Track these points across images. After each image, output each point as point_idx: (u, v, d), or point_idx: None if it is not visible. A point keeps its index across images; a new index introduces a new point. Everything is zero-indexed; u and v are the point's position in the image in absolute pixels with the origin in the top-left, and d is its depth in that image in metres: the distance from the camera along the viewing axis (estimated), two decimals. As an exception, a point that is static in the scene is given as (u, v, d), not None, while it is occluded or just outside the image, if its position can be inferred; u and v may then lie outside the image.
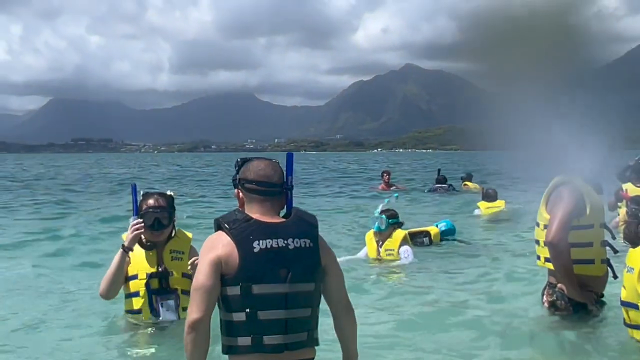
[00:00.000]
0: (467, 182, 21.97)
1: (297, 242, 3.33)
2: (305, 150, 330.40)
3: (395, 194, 10.64)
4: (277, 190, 3.43)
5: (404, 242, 9.51)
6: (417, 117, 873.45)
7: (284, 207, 3.49)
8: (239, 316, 3.26)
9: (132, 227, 5.13)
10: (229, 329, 3.31)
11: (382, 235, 9.45)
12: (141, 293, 5.21)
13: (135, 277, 5.20)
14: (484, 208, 14.36)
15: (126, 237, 5.20)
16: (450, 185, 21.24)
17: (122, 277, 5.16)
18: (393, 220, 9.50)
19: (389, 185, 21.81)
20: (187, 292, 4.94)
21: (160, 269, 5.21)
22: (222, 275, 3.27)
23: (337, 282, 3.48)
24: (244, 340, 3.26)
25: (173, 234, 5.32)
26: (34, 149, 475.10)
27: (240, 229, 3.30)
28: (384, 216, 9.38)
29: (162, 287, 5.21)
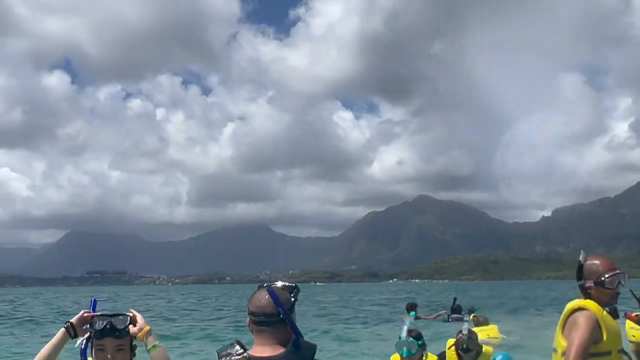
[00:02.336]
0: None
1: None
2: (315, 282, 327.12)
3: (412, 312, 10.08)
4: (272, 320, 3.51)
5: None
6: (432, 247, 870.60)
7: (291, 335, 3.56)
8: None
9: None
10: None
11: None
12: None
13: None
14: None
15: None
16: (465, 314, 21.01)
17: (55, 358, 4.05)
18: (422, 342, 8.17)
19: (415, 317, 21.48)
20: None
21: None
22: None
23: None
24: None
25: None
26: (49, 282, 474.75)
27: None
28: (411, 338, 8.01)
29: None
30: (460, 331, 9.08)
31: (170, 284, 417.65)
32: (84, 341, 4.09)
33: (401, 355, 7.81)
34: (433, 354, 9.52)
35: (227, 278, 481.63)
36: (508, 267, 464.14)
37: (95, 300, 4.23)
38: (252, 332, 3.61)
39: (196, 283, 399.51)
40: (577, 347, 5.11)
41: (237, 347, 3.47)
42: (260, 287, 3.70)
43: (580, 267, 5.18)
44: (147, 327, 3.98)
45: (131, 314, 4.14)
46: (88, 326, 4.07)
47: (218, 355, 3.45)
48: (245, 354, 3.41)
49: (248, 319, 3.64)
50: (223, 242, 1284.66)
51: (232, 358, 3.41)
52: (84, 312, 4.08)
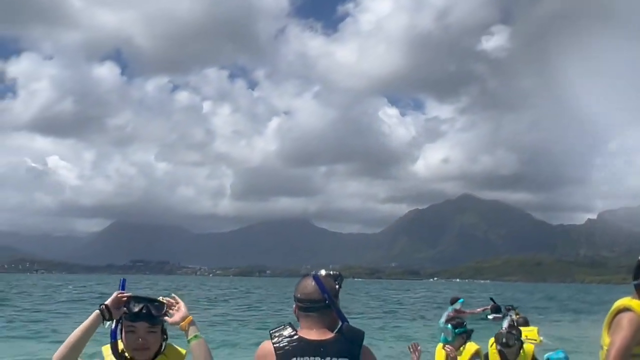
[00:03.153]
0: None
1: None
2: (353, 278, 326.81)
3: (461, 299, 9.77)
4: (318, 306, 3.71)
5: (475, 357, 8.34)
6: (474, 247, 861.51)
7: (337, 321, 3.75)
8: None
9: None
10: None
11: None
12: None
13: None
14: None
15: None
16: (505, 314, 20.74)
17: (86, 342, 3.83)
18: (460, 330, 8.26)
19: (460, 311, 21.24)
20: None
21: None
22: None
23: None
24: None
25: (162, 349, 4.04)
26: (93, 269, 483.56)
27: (283, 344, 3.60)
28: (449, 326, 8.26)
29: None
30: (501, 327, 9.00)
31: (211, 275, 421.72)
32: (114, 321, 3.92)
33: (440, 341, 8.10)
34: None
35: (268, 271, 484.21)
36: (551, 269, 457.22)
37: (124, 280, 4.10)
38: (298, 319, 3.76)
39: (237, 275, 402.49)
40: (617, 349, 5.12)
41: (290, 329, 3.68)
42: (305, 275, 3.87)
43: (638, 266, 5.19)
44: (190, 317, 3.86)
45: (173, 301, 4.01)
46: (124, 307, 3.90)
47: (270, 335, 3.67)
48: (296, 336, 3.64)
49: (294, 305, 3.81)
50: (265, 235, 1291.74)
51: (284, 338, 3.62)
52: (118, 293, 3.90)
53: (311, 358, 3.53)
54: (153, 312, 3.89)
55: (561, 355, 9.72)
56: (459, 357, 8.20)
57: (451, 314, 8.71)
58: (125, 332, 3.93)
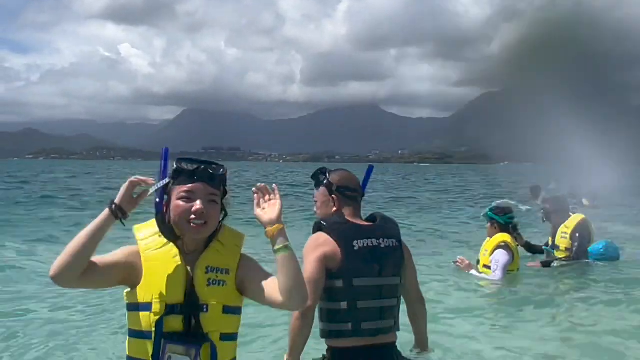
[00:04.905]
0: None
1: (386, 242, 3.80)
2: (418, 163, 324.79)
3: (527, 207, 8.70)
4: (360, 196, 4.00)
5: (502, 246, 7.74)
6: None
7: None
8: (341, 305, 3.69)
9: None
10: (331, 317, 3.75)
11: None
12: (152, 336, 2.86)
13: (147, 306, 2.81)
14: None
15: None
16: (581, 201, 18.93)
17: (91, 252, 2.71)
18: (491, 214, 7.89)
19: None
20: (227, 337, 2.91)
21: (188, 299, 2.84)
22: (327, 269, 3.70)
23: (412, 276, 4.02)
24: (345, 326, 3.69)
25: (219, 230, 2.97)
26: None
27: (341, 230, 3.78)
28: (487, 210, 8.01)
29: (186, 330, 2.82)
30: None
31: (281, 161, 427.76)
32: (161, 188, 2.90)
33: None
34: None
35: (337, 157, 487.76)
36: None
37: (166, 149, 3.03)
38: (336, 205, 3.92)
39: (307, 161, 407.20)
40: None
41: (337, 217, 3.87)
42: (343, 169, 4.08)
43: None
44: (281, 225, 2.87)
45: (268, 190, 2.90)
46: (174, 165, 2.91)
47: (319, 226, 3.89)
48: (347, 223, 3.84)
49: (328, 195, 3.96)
50: (334, 121, 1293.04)
51: (337, 226, 3.80)
52: (132, 179, 2.79)
53: (368, 240, 3.75)
54: (214, 171, 2.92)
55: (600, 245, 9.30)
56: (486, 243, 8.00)
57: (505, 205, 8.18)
58: (176, 201, 2.86)
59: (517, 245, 8.16)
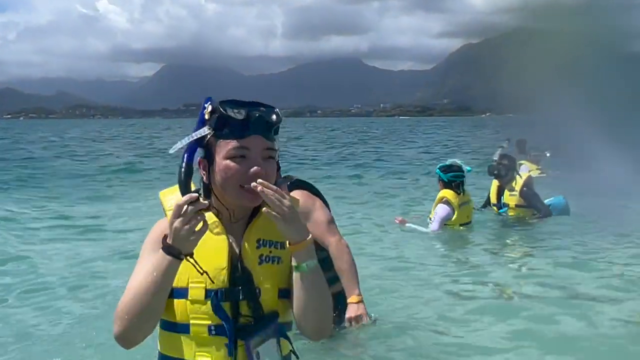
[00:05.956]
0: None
1: None
2: (398, 117, 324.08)
3: (469, 168, 8.59)
4: None
5: (443, 201, 8.14)
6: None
7: None
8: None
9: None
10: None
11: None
12: (203, 331, 2.00)
13: (183, 292, 2.00)
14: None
15: (170, 211, 1.90)
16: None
17: (163, 298, 1.94)
18: (437, 172, 8.35)
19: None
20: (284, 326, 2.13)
21: (238, 282, 2.02)
22: None
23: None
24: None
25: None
26: (148, 114, 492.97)
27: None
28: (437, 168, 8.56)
29: (251, 320, 2.02)
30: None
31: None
32: (191, 139, 2.02)
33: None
34: None
35: (319, 111, 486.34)
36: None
37: (209, 98, 2.09)
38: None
39: (289, 116, 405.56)
40: None
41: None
42: None
43: None
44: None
45: None
46: (212, 111, 2.02)
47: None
48: None
49: None
50: (316, 75, 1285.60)
51: None
52: (187, 199, 1.83)
53: None
54: (272, 119, 2.10)
55: (562, 200, 9.56)
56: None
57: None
58: (224, 161, 2.00)
59: (465, 203, 8.33)
